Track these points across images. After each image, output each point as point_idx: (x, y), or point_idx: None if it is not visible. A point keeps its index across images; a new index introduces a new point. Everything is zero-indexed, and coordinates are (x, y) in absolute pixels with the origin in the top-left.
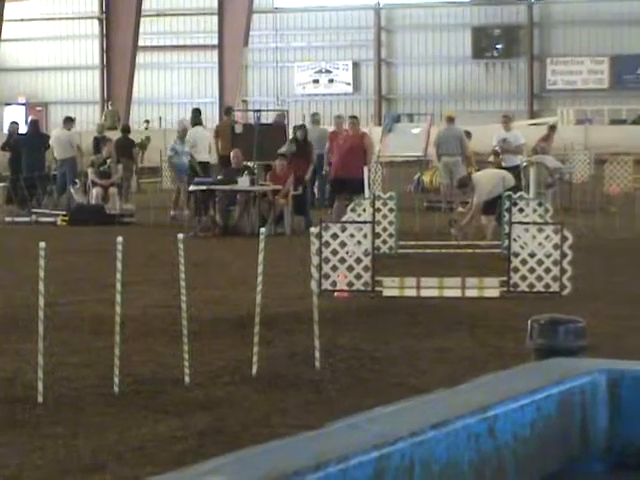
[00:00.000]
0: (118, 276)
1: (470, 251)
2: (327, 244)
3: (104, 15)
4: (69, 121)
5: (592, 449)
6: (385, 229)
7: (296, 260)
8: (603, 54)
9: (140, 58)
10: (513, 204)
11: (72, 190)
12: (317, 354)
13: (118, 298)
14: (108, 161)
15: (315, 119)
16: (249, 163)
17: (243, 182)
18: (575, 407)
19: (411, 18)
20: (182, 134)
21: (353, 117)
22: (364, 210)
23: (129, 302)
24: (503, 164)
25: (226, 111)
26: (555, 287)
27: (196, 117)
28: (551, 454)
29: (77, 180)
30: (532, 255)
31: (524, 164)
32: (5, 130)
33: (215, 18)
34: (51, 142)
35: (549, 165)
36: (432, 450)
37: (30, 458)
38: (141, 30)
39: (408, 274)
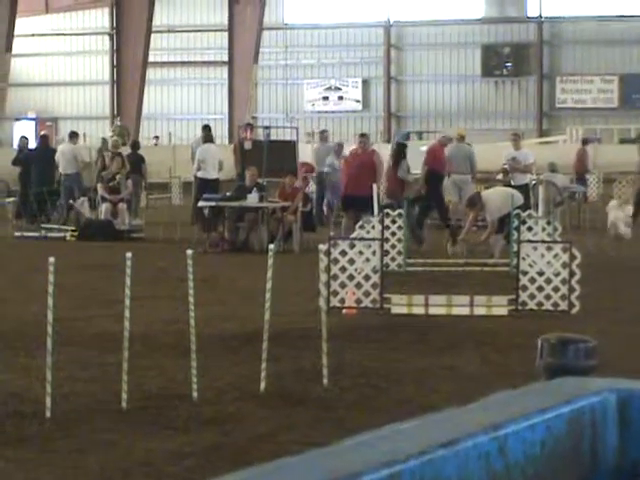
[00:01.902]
0: (127, 292)
1: (478, 269)
2: (336, 261)
3: (114, 31)
4: (74, 136)
5: (602, 468)
6: (394, 246)
7: (304, 277)
8: (613, 73)
9: (150, 74)
10: (522, 222)
11: (76, 205)
12: (325, 371)
13: (127, 314)
14: (117, 177)
15: (323, 136)
16: (259, 179)
17: (252, 199)
18: (585, 426)
19: (421, 36)
20: (339, 150)
21: (363, 135)
22: (373, 227)
23: (137, 318)
24: (512, 182)
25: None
26: (563, 306)
27: (207, 134)
28: (561, 473)
29: (83, 195)
30: (540, 273)
31: (533, 182)
32: (15, 145)
33: (225, 35)
34: (56, 157)
35: (558, 184)
36: (442, 469)
37: (38, 473)
38: (151, 46)
39: (416, 292)
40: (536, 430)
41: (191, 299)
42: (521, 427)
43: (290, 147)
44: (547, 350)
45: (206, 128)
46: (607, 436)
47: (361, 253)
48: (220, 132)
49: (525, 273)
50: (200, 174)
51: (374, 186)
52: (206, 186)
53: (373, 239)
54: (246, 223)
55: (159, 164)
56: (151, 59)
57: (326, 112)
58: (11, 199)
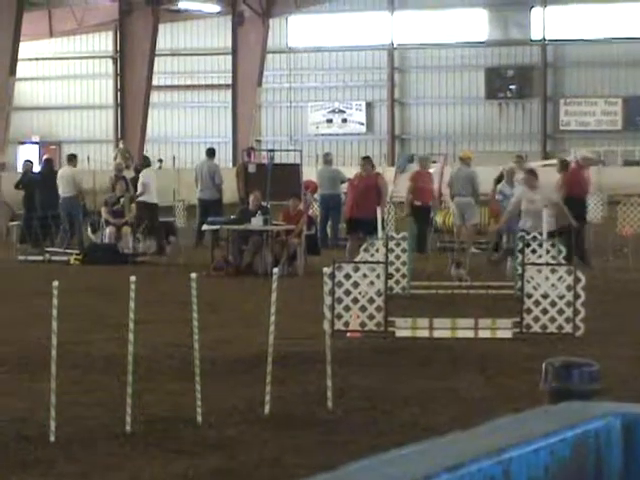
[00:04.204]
0: (131, 315)
1: (483, 292)
2: (340, 284)
3: (118, 54)
4: (73, 158)
5: None
6: (398, 269)
7: (309, 300)
8: (616, 95)
9: (154, 97)
10: (526, 245)
11: (89, 231)
12: (329, 394)
13: (131, 337)
14: (121, 200)
15: (327, 159)
16: (263, 203)
17: (256, 222)
18: (589, 451)
19: (424, 59)
20: (510, 177)
21: (366, 158)
22: (377, 250)
23: (142, 341)
24: None
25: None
26: (568, 328)
27: (146, 160)
28: None
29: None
30: (545, 296)
31: None
32: (19, 169)
33: (229, 58)
34: (57, 180)
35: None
36: None
37: None
38: (155, 69)
39: (421, 315)
40: (540, 454)
41: (195, 322)
42: (525, 451)
43: (294, 170)
44: (551, 374)
45: (210, 151)
46: (612, 461)
47: (365, 276)
48: (224, 155)
49: (529, 296)
50: (142, 198)
51: (378, 209)
52: (148, 210)
53: (377, 262)
54: (250, 246)
55: (163, 187)
56: (155, 82)
57: (330, 135)
58: (15, 223)
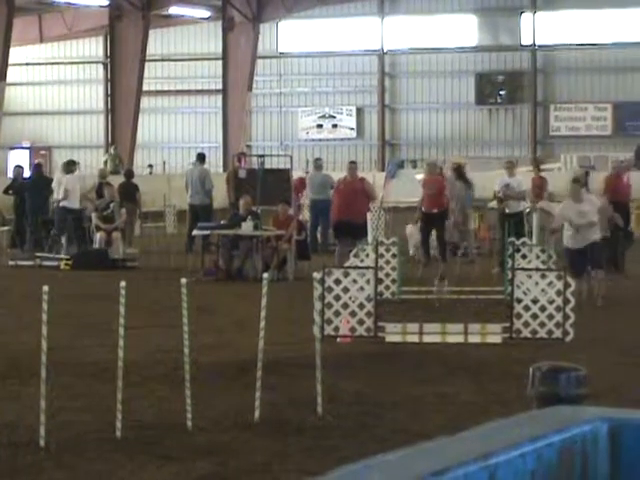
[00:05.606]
0: (121, 321)
1: (473, 297)
2: (330, 289)
3: (109, 60)
4: (72, 164)
5: None
6: (388, 275)
7: (299, 305)
8: (606, 101)
9: (144, 102)
10: (516, 250)
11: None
12: (319, 400)
13: (121, 343)
14: (111, 205)
15: (318, 164)
16: (253, 208)
17: (246, 227)
18: (576, 456)
19: (415, 64)
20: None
21: (352, 162)
22: (367, 256)
23: (132, 347)
24: (507, 210)
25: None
26: (558, 333)
27: (70, 164)
28: None
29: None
30: (535, 301)
31: (527, 210)
32: (10, 174)
33: (219, 63)
34: (53, 185)
35: (552, 211)
36: None
37: None
38: (145, 75)
39: (411, 320)
40: (527, 459)
41: (185, 328)
42: (512, 456)
43: (284, 175)
44: (538, 378)
45: (200, 156)
46: (598, 465)
47: (355, 281)
48: (214, 160)
49: (519, 301)
50: (64, 204)
51: (368, 214)
52: (69, 215)
53: (367, 267)
54: (240, 252)
55: (153, 193)
56: (145, 88)
57: (320, 140)
58: (5, 228)
